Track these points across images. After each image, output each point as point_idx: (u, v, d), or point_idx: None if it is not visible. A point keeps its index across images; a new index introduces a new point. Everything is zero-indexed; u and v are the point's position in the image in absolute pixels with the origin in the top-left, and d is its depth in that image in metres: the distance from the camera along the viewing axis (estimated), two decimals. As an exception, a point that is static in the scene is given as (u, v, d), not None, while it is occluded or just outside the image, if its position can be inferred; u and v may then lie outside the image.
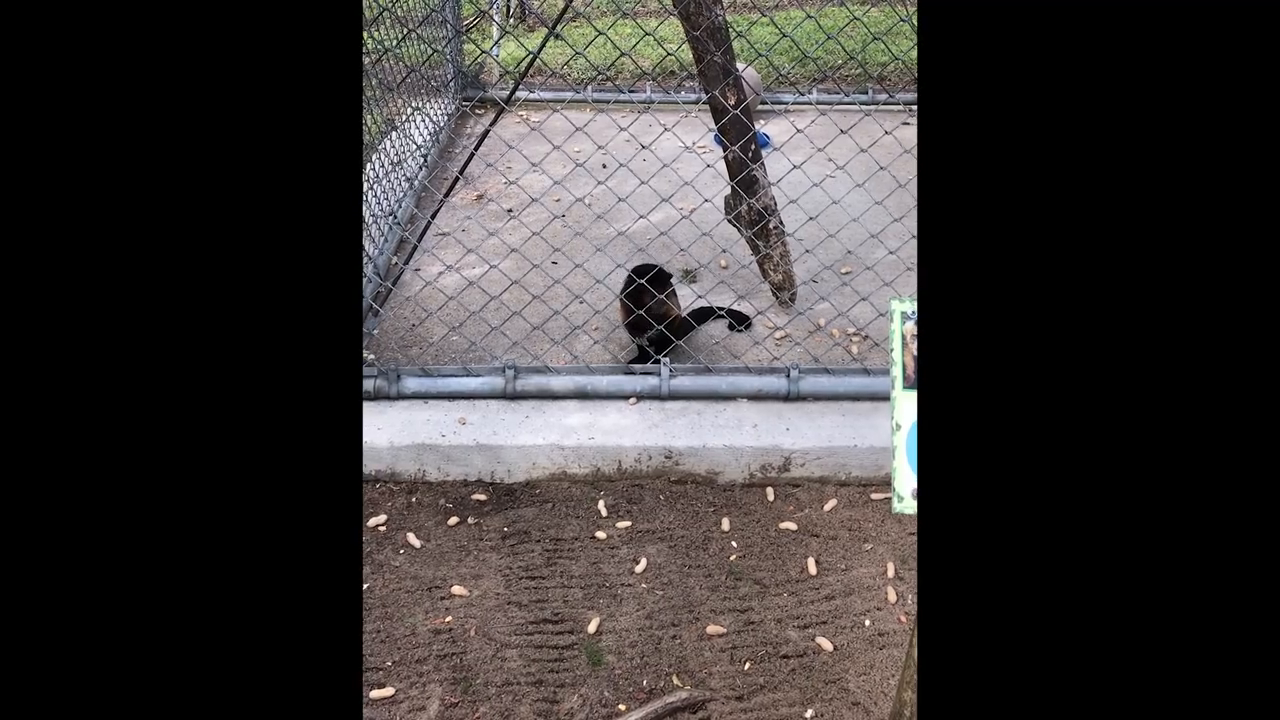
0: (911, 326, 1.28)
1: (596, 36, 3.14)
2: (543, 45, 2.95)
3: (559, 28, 3.28)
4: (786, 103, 5.03)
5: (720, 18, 2.92)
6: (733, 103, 2.95)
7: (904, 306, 1.29)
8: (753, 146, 3.02)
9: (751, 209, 3.07)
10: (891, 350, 1.28)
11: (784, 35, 2.90)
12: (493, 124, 3.07)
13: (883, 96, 4.95)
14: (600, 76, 5.01)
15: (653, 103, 4.80)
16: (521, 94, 4.73)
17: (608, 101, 4.77)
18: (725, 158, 3.09)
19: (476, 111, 4.87)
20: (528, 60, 2.91)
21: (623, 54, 2.59)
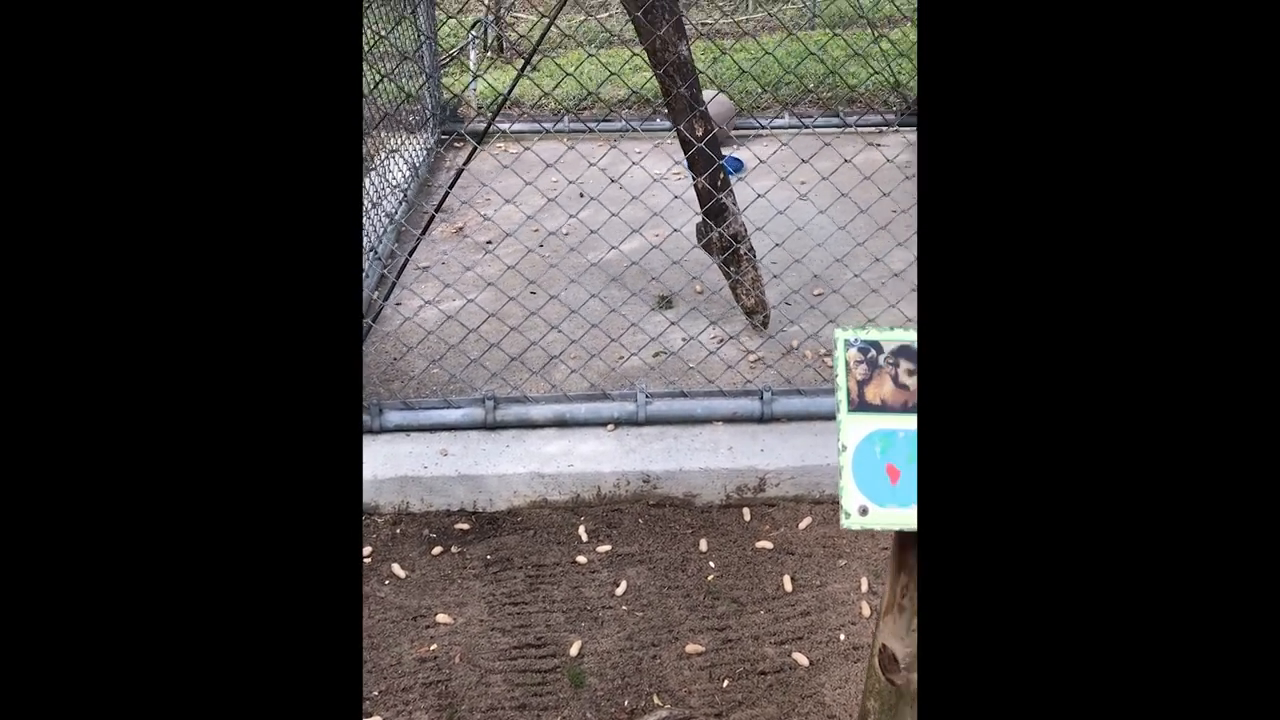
0: (854, 353, 1.36)
1: (564, 78, 3.23)
2: (512, 87, 3.04)
3: (528, 69, 3.37)
4: (757, 127, 5.13)
5: (685, 53, 3.01)
6: (699, 134, 3.04)
7: (847, 335, 1.36)
8: (720, 176, 3.11)
9: (722, 236, 3.15)
10: (837, 376, 1.36)
11: (757, 60, 2.99)
12: (467, 162, 3.16)
13: (853, 119, 5.06)
14: (573, 110, 5.11)
15: (629, 130, 4.90)
16: (501, 126, 4.81)
17: (582, 133, 4.86)
18: (694, 186, 3.18)
19: (456, 145, 4.96)
20: (500, 100, 2.99)
21: (590, 93, 2.68)
